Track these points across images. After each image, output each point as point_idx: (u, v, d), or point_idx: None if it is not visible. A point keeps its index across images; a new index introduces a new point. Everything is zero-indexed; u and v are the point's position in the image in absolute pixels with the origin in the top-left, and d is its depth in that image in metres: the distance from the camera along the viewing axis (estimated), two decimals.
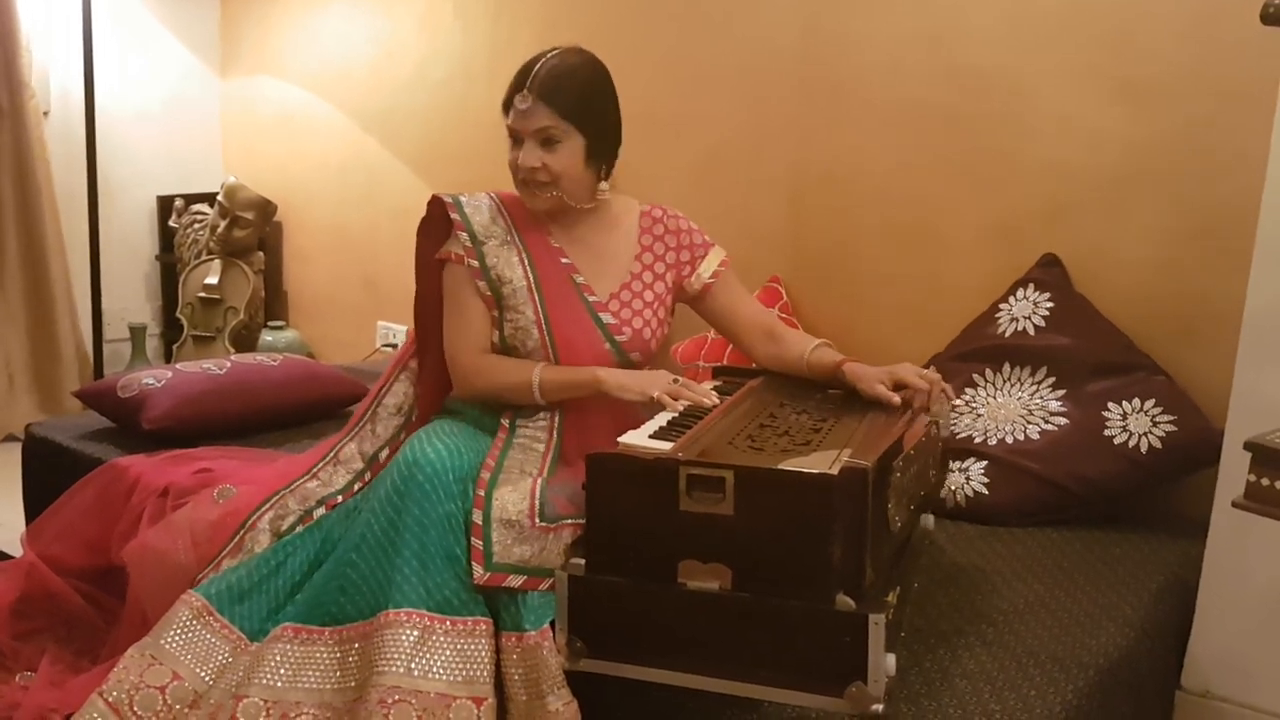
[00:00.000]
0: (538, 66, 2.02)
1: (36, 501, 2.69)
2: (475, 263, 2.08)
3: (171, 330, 4.56)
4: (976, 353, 2.64)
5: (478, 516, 1.82)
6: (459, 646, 1.76)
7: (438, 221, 2.14)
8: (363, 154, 4.16)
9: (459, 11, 3.83)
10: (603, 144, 2.07)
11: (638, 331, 2.11)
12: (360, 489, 2.10)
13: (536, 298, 2.07)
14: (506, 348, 2.09)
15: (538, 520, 1.82)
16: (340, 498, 2.10)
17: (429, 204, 2.15)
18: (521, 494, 1.85)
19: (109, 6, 4.24)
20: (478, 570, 1.79)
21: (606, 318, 2.09)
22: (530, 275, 2.08)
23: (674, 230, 2.19)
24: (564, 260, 2.11)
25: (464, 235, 2.09)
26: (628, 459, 1.68)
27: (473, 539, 1.81)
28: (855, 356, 2.11)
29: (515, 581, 1.79)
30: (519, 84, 2.03)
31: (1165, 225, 2.55)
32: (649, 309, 2.14)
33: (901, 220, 2.94)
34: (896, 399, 1.95)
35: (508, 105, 2.05)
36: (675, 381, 1.99)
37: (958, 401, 2.57)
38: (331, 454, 2.19)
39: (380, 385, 2.25)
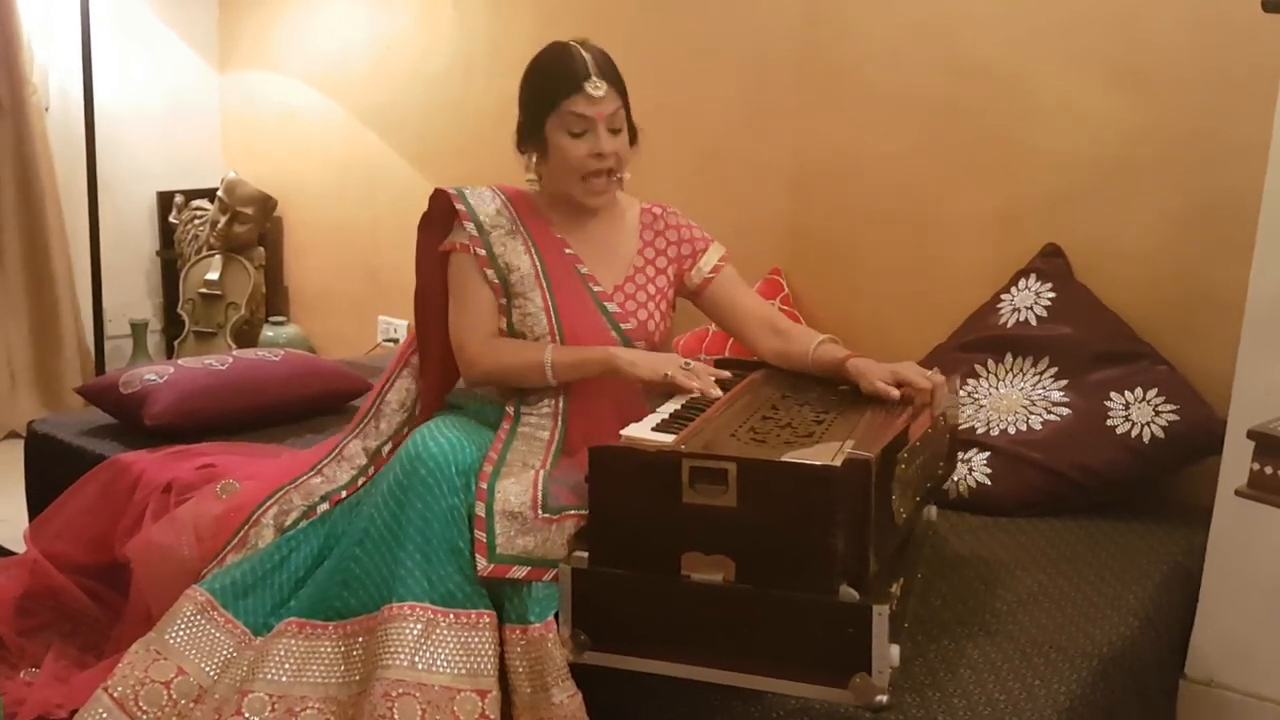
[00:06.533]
0: (587, 55, 2.03)
1: (39, 498, 2.69)
2: (483, 251, 2.08)
3: (173, 326, 4.57)
4: (978, 343, 2.64)
5: (480, 509, 1.82)
6: (463, 639, 1.76)
7: (440, 215, 2.15)
8: (363, 148, 4.16)
9: (457, 4, 3.82)
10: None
11: (642, 323, 2.13)
12: (364, 484, 2.11)
13: (544, 285, 2.08)
14: (514, 335, 2.10)
15: (540, 512, 1.82)
16: (344, 493, 2.10)
17: (431, 198, 2.15)
18: (524, 485, 1.85)
19: (108, 3, 4.23)
20: (481, 562, 1.79)
21: (612, 307, 2.11)
22: (538, 263, 2.09)
23: (674, 226, 2.22)
24: (568, 251, 2.12)
25: (470, 225, 2.09)
26: (631, 452, 1.68)
27: (476, 531, 1.81)
28: (857, 348, 2.11)
29: (519, 573, 1.79)
30: (583, 72, 2.01)
31: (1167, 214, 2.55)
32: (652, 301, 2.15)
33: (903, 210, 2.93)
34: (895, 393, 1.93)
35: (562, 96, 2.01)
36: (685, 365, 2.00)
37: (961, 394, 2.56)
38: (336, 450, 2.19)
39: (383, 382, 2.26)
